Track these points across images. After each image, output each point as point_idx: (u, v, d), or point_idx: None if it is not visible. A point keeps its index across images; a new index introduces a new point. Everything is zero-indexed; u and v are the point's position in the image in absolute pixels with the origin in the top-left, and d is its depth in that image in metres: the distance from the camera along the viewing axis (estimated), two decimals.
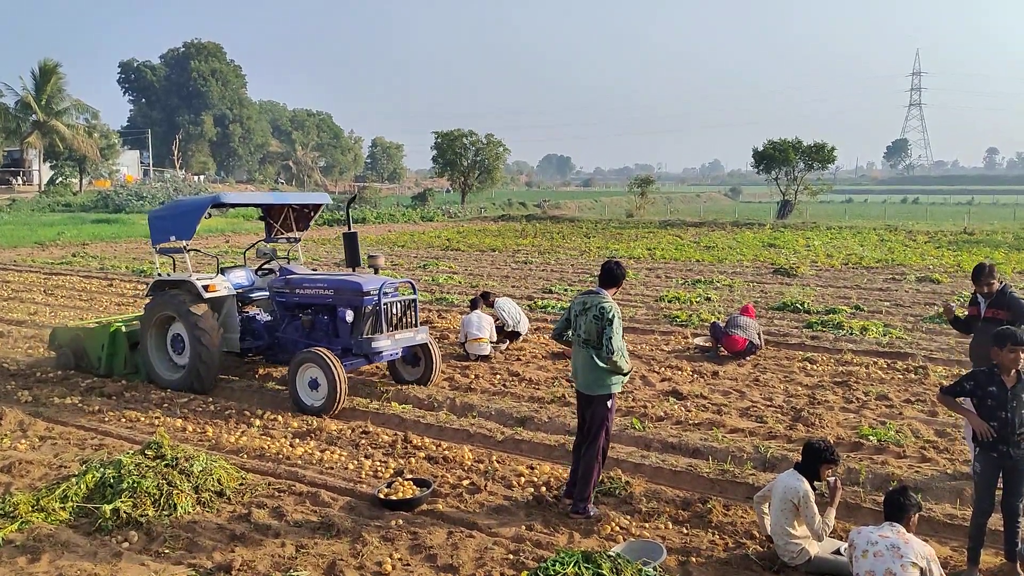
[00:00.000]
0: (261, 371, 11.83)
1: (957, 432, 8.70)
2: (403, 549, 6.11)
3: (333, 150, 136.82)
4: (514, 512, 6.87)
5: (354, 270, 11.12)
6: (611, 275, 6.90)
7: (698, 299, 18.01)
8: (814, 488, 5.90)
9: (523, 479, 7.54)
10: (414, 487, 7.17)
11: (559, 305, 17.26)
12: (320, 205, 12.23)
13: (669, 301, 17.84)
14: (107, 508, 6.46)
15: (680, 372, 11.69)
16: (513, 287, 20.60)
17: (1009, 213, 60.21)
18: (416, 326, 10.51)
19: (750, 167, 53.11)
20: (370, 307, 10.13)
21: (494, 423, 9.35)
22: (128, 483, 6.70)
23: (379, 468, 7.90)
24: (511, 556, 5.96)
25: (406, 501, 6.91)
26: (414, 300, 10.53)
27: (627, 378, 7.05)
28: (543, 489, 7.28)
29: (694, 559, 6.01)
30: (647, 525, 6.64)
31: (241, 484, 7.31)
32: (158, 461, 7.07)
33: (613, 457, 8.16)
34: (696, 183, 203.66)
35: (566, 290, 19.75)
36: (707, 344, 12.99)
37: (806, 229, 40.08)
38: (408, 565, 5.88)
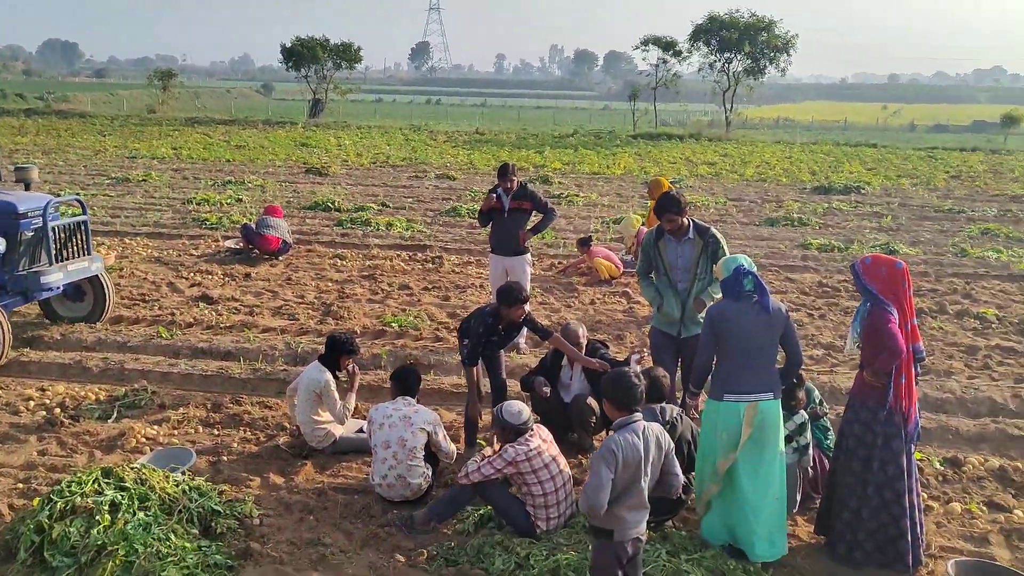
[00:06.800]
0: None
1: (463, 312, 9.78)
2: None
3: None
4: (23, 439, 6.29)
5: None
6: None
7: (229, 201, 17.59)
8: (336, 377, 6.31)
9: (32, 403, 6.90)
10: None
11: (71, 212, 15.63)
12: None
13: (198, 203, 17.14)
14: None
15: (211, 276, 11.44)
16: None
17: (514, 115, 67.64)
18: (89, 253, 8.67)
19: (280, 63, 52.18)
20: (30, 232, 8.12)
21: None
22: None
23: None
24: (21, 485, 5.49)
25: None
26: (85, 221, 8.62)
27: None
28: (57, 411, 6.73)
29: (226, 457, 6.10)
30: (177, 432, 6.54)
31: None
32: None
33: (138, 368, 7.85)
34: (226, 78, 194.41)
35: (78, 195, 17.89)
36: (238, 246, 12.84)
37: (338, 128, 40.93)
38: None
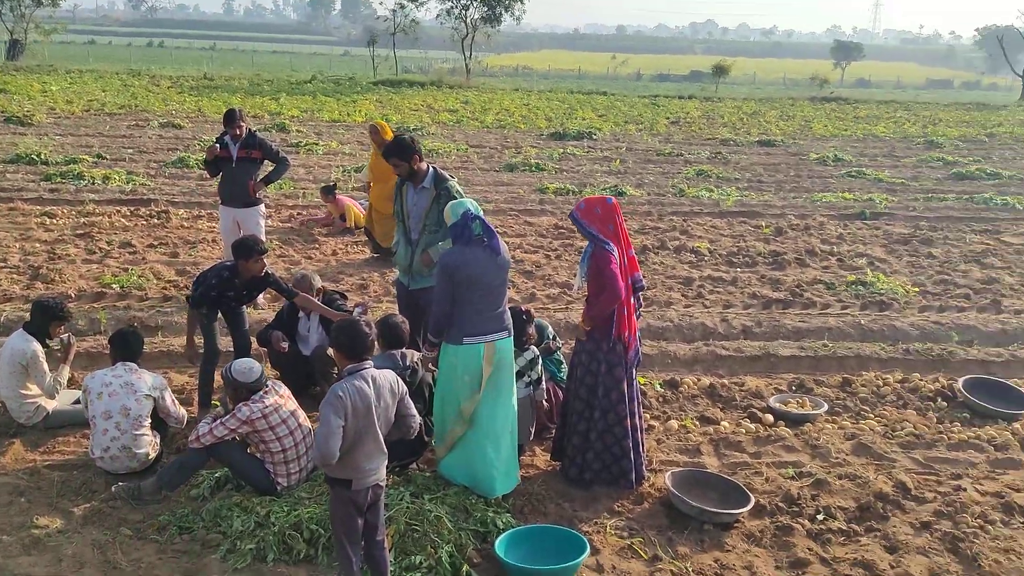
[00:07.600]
0: None
1: (195, 269, 9.23)
2: None
3: None
4: None
5: None
6: None
7: None
8: (46, 346, 5.72)
9: None
10: None
11: None
12: None
13: None
14: None
15: None
16: None
17: (247, 59, 64.19)
18: None
19: None
20: None
21: None
22: None
23: None
24: None
25: None
26: None
27: None
28: None
29: None
30: None
31: None
32: None
33: None
34: None
35: None
36: None
37: (43, 73, 36.71)
38: None
